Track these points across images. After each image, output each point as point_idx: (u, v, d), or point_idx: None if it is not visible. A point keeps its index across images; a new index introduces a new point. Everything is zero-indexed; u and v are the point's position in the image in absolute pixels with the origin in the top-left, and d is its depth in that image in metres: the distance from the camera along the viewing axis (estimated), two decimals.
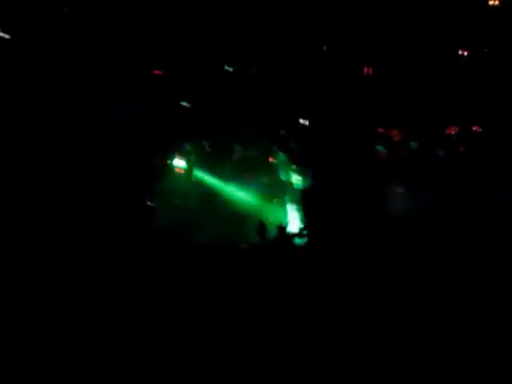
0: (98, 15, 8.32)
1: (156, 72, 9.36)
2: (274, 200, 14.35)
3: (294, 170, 12.32)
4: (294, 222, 12.32)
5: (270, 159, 14.04)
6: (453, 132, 11.47)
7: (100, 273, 5.76)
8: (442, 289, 5.66)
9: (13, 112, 7.55)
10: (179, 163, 12.58)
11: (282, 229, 7.69)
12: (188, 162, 12.45)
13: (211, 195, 13.95)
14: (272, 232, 8.11)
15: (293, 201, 13.39)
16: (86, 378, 4.64)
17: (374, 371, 4.78)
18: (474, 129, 11.64)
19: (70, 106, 8.54)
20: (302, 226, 9.05)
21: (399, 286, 5.83)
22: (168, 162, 12.43)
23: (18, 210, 6.91)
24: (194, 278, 5.64)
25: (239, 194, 14.18)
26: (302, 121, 9.85)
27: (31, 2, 7.95)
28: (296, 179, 12.74)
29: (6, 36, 7.88)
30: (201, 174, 13.17)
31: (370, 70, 8.81)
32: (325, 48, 8.53)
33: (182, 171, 12.63)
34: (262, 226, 7.69)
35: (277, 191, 14.14)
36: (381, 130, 11.11)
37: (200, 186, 13.82)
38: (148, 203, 9.74)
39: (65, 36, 8.07)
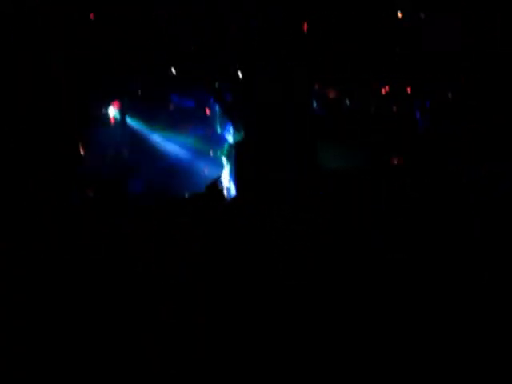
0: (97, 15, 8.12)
1: None
2: (210, 152, 14.36)
3: (229, 123, 12.32)
4: (226, 175, 12.40)
5: (207, 111, 14.00)
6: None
7: (100, 273, 5.71)
8: (441, 285, 5.74)
9: (12, 112, 7.35)
10: (112, 112, 12.36)
11: (213, 182, 7.69)
12: (122, 111, 12.25)
13: (146, 146, 13.83)
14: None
15: (227, 154, 13.43)
16: (85, 377, 4.61)
17: (373, 370, 4.85)
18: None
19: (69, 104, 8.47)
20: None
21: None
22: (102, 111, 12.21)
23: (17, 210, 6.78)
24: (194, 277, 5.62)
25: (174, 146, 14.11)
26: (240, 75, 9.84)
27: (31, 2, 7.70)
28: (230, 132, 12.76)
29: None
30: (135, 124, 13.01)
31: (306, 27, 8.84)
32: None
33: (114, 120, 12.43)
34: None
35: (212, 144, 14.14)
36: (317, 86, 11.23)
37: (134, 136, 13.67)
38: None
39: (65, 36, 7.87)
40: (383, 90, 11.60)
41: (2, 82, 7.64)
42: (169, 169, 13.48)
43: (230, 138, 12.56)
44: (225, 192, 8.71)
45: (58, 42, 8.13)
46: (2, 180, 7.37)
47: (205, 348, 4.88)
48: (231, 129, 12.13)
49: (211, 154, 14.27)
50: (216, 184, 7.79)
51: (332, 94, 12.98)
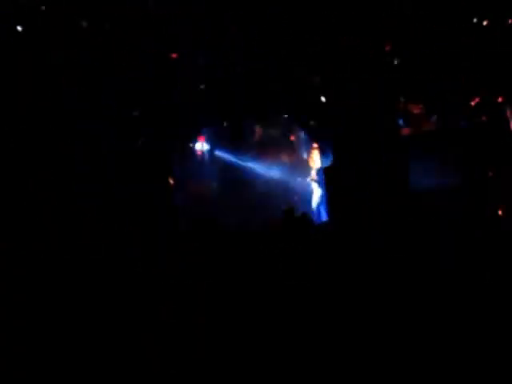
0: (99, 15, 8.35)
1: (173, 56, 9.37)
2: (298, 179, 14.35)
3: (315, 149, 12.28)
4: (316, 200, 12.35)
5: (292, 138, 14.03)
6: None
7: (100, 272, 5.78)
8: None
9: (13, 111, 7.61)
10: (201, 146, 12.61)
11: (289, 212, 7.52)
12: (209, 144, 12.48)
13: (234, 177, 13.98)
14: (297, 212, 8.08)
15: (317, 179, 13.37)
16: (85, 377, 4.65)
17: (373, 369, 4.74)
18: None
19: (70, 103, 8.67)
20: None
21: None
22: (190, 145, 12.48)
23: (18, 210, 6.97)
24: (195, 277, 5.63)
25: (263, 174, 14.19)
26: (322, 99, 9.81)
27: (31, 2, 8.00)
28: (318, 158, 12.71)
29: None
30: (223, 156, 13.20)
31: (389, 46, 8.73)
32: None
33: (202, 153, 12.65)
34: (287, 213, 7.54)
35: (299, 170, 14.12)
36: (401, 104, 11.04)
37: (222, 167, 13.86)
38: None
39: (65, 36, 8.10)
40: (473, 102, 11.27)
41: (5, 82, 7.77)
42: (259, 198, 13.56)
43: (318, 163, 12.53)
44: (313, 217, 8.65)
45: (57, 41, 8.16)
46: (2, 180, 7.43)
47: (205, 348, 4.79)
48: (318, 154, 12.11)
49: (299, 180, 14.26)
50: (292, 210, 7.63)
51: (417, 110, 12.74)
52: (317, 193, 12.64)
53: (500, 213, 7.85)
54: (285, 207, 7.33)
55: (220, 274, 5.79)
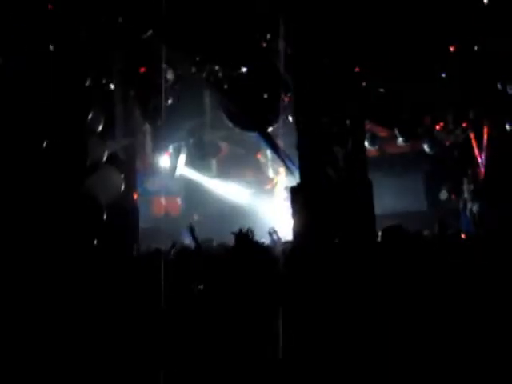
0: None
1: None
2: (264, 198, 14.31)
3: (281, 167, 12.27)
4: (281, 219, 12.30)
5: (258, 156, 14.01)
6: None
7: (100, 272, 5.69)
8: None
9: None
10: (163, 162, 12.48)
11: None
12: (173, 160, 12.34)
13: (197, 193, 13.87)
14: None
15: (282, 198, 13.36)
16: (85, 377, 4.55)
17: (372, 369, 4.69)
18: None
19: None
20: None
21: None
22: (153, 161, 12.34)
23: (19, 210, 6.79)
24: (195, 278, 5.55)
25: (228, 192, 14.11)
26: (290, 118, 9.79)
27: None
28: (283, 176, 12.71)
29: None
30: (187, 172, 13.09)
31: (359, 68, 8.76)
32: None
33: (167, 170, 12.52)
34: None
35: (264, 188, 14.11)
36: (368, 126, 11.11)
37: (186, 184, 13.73)
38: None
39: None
40: (438, 127, 11.46)
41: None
42: (223, 215, 13.48)
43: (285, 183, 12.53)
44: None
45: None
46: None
47: (205, 348, 4.73)
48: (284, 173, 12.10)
49: (265, 199, 14.23)
50: (247, 234, 7.16)
51: (384, 133, 12.87)
52: (286, 213, 12.62)
53: (463, 236, 7.89)
54: (237, 231, 6.82)
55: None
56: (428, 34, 8.96)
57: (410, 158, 13.92)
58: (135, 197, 9.94)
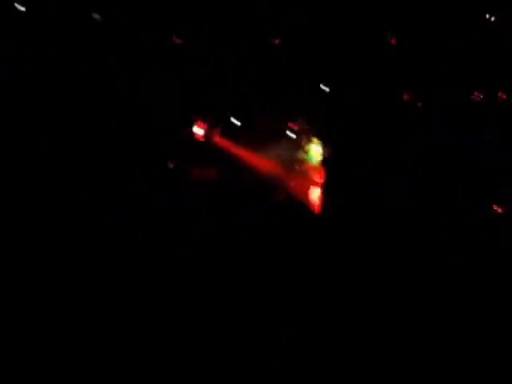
0: None
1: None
2: (297, 168, 14.26)
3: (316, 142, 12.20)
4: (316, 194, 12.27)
5: (294, 127, 13.90)
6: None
7: (100, 272, 5.73)
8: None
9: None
10: (198, 131, 12.54)
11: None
12: (208, 130, 12.39)
13: (232, 165, 13.89)
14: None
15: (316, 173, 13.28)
16: (85, 377, 4.60)
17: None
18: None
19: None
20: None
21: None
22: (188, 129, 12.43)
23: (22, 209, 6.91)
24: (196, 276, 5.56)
25: (260, 166, 14.10)
26: (327, 89, 9.75)
27: None
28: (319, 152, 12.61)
29: None
30: (224, 144, 13.11)
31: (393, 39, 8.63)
32: None
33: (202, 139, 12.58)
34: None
35: (299, 159, 14.03)
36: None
37: (220, 155, 13.78)
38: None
39: None
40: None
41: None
42: (255, 185, 13.49)
43: (318, 157, 12.43)
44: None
45: None
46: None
47: (205, 348, 4.73)
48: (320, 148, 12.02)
49: (298, 168, 14.19)
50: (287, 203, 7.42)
51: (420, 104, 12.63)
52: (317, 187, 12.56)
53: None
54: (281, 200, 7.21)
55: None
56: None
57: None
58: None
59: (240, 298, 5.36)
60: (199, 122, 12.32)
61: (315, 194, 10.97)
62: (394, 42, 8.72)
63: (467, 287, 5.38)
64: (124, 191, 7.86)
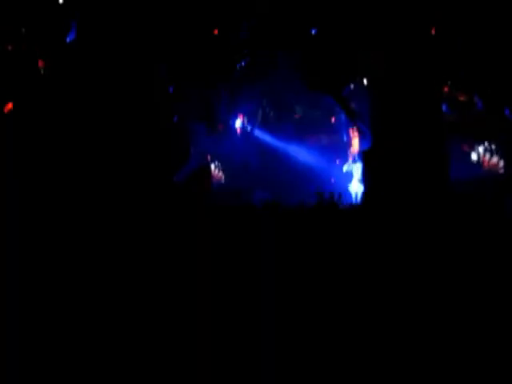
0: None
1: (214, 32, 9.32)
2: (337, 161, 14.23)
3: (355, 132, 12.14)
4: (356, 183, 12.24)
5: (332, 120, 13.89)
6: None
7: (100, 272, 5.78)
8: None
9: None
10: (239, 124, 12.61)
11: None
12: (249, 122, 12.47)
13: (273, 156, 13.93)
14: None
15: (356, 161, 13.24)
16: (85, 377, 4.64)
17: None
18: None
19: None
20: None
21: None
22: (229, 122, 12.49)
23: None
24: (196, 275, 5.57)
25: (301, 155, 14.11)
26: (365, 81, 9.67)
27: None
28: (357, 141, 12.56)
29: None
30: (262, 135, 13.16)
31: (434, 30, 8.51)
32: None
33: (241, 131, 12.65)
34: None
35: (339, 152, 14.00)
36: (446, 90, 10.79)
37: (261, 146, 13.82)
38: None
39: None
40: None
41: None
42: (295, 178, 13.51)
43: (357, 147, 12.39)
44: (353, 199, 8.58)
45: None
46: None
47: (206, 348, 4.70)
48: (358, 137, 11.97)
49: (337, 161, 14.15)
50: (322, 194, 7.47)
51: (463, 97, 12.45)
52: (356, 176, 12.52)
53: None
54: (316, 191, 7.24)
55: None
56: None
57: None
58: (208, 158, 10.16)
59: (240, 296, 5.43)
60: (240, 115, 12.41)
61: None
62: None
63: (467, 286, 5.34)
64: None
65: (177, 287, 5.56)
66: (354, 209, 7.21)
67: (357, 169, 12.57)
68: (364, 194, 8.14)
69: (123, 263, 5.99)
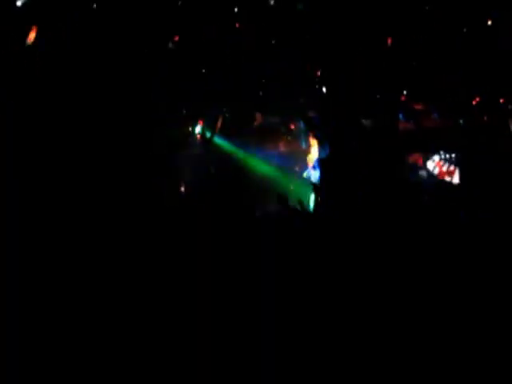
0: None
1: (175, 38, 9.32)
2: (296, 168, 14.36)
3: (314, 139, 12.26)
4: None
5: (291, 127, 14.00)
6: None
7: (100, 272, 5.76)
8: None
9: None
10: (199, 130, 12.61)
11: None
12: (208, 129, 12.47)
13: (232, 163, 13.97)
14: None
15: (315, 168, 13.38)
16: (85, 377, 4.62)
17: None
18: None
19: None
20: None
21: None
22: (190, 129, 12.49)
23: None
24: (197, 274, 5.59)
25: (259, 162, 14.18)
26: (323, 89, 9.79)
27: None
28: (316, 148, 12.69)
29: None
30: (221, 142, 13.17)
31: (390, 41, 8.68)
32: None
33: (201, 137, 12.65)
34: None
35: (297, 159, 14.12)
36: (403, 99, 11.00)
37: (220, 153, 13.85)
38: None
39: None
40: (473, 102, 11.23)
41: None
42: (254, 185, 13.56)
43: (315, 154, 12.51)
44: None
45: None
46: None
47: (206, 348, 4.73)
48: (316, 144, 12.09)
49: (297, 169, 14.27)
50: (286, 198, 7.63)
51: (418, 107, 12.70)
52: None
53: None
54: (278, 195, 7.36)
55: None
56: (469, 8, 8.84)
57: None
58: None
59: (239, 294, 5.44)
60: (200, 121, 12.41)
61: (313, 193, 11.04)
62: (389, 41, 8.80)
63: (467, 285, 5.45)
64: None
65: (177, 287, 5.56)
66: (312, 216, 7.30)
67: (315, 176, 12.70)
68: (321, 200, 8.24)
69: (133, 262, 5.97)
